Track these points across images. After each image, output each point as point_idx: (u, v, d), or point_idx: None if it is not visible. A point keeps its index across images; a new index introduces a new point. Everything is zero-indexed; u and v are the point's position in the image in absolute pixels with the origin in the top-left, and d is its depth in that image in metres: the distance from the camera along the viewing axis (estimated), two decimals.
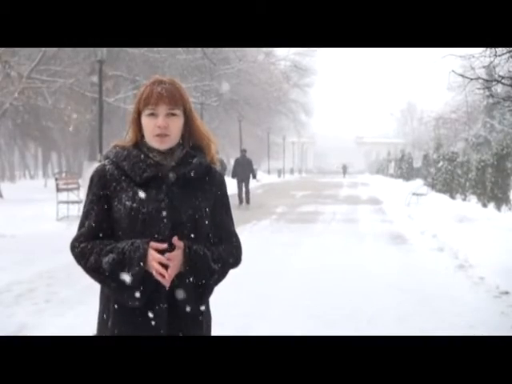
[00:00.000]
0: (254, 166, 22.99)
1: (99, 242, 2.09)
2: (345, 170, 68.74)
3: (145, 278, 2.03)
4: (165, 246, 2.02)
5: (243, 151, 22.24)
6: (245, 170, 20.94)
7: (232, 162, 23.95)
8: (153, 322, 2.09)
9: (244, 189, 20.92)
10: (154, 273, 2.02)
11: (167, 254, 2.03)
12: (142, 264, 2.01)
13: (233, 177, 21.03)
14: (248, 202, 20.94)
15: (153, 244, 2.03)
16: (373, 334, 4.91)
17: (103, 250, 2.06)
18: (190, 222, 2.11)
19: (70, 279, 7.24)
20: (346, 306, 6.28)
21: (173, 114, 2.11)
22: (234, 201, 19.88)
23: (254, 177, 22.46)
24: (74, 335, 2.40)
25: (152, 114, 2.10)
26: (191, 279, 2.07)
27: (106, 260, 2.04)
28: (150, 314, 2.08)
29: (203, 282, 2.10)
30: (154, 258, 2.01)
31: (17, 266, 8.42)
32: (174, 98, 2.11)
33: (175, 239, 2.05)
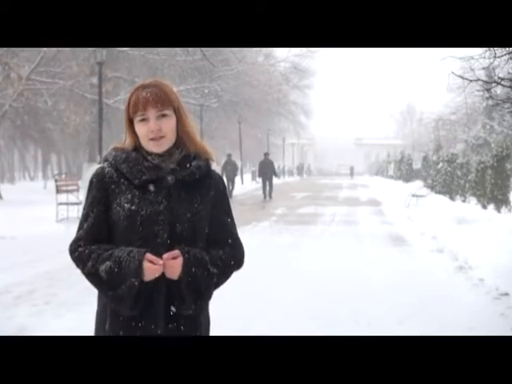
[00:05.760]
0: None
1: (97, 248, 2.09)
2: (352, 171, 72.40)
3: (140, 289, 2.04)
4: (161, 262, 2.02)
5: (266, 154, 26.43)
6: (268, 170, 25.24)
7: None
8: (149, 326, 2.09)
9: (268, 186, 25.09)
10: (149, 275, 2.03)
11: (167, 262, 2.03)
12: (136, 277, 2.01)
13: (259, 176, 26.34)
14: (271, 196, 25.04)
15: (148, 256, 2.02)
16: (373, 334, 4.90)
17: (100, 257, 2.06)
18: (188, 225, 2.11)
19: (69, 280, 7.23)
20: (346, 308, 6.28)
21: (163, 115, 2.11)
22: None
23: (276, 175, 26.89)
24: (73, 335, 2.40)
25: (143, 120, 2.11)
26: (188, 284, 2.07)
27: (103, 268, 2.04)
28: (147, 319, 2.09)
29: (200, 285, 2.10)
30: (149, 270, 2.02)
31: (16, 267, 8.41)
32: (160, 99, 2.10)
33: (175, 252, 2.05)
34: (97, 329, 2.19)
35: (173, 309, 2.10)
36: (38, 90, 22.04)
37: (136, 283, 2.01)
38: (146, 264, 2.01)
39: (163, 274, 2.05)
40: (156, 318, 2.09)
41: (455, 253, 9.66)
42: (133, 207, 2.09)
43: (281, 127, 62.45)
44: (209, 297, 2.18)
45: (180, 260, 2.04)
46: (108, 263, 2.03)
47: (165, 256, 2.03)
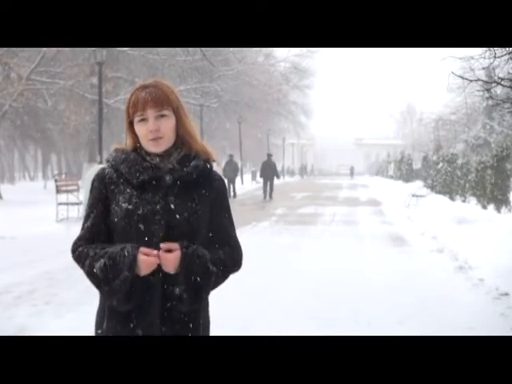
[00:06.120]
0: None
1: (95, 246, 2.11)
2: (352, 171, 72.98)
3: (135, 284, 2.05)
4: (155, 252, 2.03)
5: (269, 155, 26.76)
6: (270, 171, 25.60)
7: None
8: (145, 323, 2.09)
9: (268, 187, 25.42)
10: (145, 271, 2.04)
11: (163, 255, 2.03)
12: (130, 270, 2.02)
13: (260, 176, 26.77)
14: (271, 196, 25.40)
15: (143, 249, 2.03)
16: (373, 334, 4.90)
17: (96, 255, 2.08)
18: (185, 225, 2.11)
19: (69, 280, 7.24)
20: (346, 308, 6.28)
21: (162, 116, 2.12)
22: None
23: (278, 177, 27.24)
24: (73, 335, 2.40)
25: (142, 120, 2.12)
26: (185, 279, 2.07)
27: (98, 265, 2.06)
28: (143, 315, 2.09)
29: (198, 282, 2.09)
30: (144, 262, 2.03)
31: (16, 267, 8.41)
32: (159, 99, 2.11)
33: (173, 244, 2.05)
34: (96, 328, 2.20)
35: (169, 306, 2.10)
36: (38, 90, 22.06)
37: (129, 276, 2.02)
38: (140, 257, 2.03)
39: (158, 270, 2.05)
40: (152, 314, 2.09)
41: (455, 253, 9.66)
42: (130, 207, 2.10)
43: (281, 127, 62.44)
44: (206, 294, 2.17)
45: (177, 254, 2.04)
46: (102, 260, 2.05)
47: (162, 245, 2.04)
